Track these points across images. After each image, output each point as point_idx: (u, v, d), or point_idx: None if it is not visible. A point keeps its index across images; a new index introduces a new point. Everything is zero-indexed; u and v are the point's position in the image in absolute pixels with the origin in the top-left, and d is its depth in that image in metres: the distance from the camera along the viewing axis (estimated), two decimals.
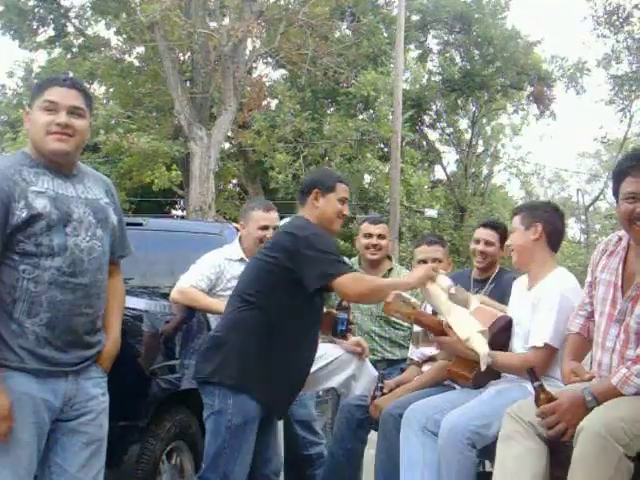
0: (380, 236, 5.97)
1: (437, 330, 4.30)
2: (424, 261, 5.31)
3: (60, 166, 3.33)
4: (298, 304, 4.07)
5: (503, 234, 5.71)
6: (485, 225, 5.71)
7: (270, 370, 4.04)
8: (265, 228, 5.06)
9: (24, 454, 3.14)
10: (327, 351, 5.11)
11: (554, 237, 4.29)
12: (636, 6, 22.23)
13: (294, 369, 4.20)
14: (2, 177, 3.15)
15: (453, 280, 5.68)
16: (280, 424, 4.93)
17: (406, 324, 5.90)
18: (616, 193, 3.57)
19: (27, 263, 3.15)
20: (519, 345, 4.21)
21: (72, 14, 25.66)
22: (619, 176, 3.55)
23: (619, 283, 3.58)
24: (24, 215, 3.13)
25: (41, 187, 3.22)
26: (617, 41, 23.57)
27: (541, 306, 4.08)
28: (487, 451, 3.96)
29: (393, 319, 5.91)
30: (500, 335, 4.29)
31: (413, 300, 4.47)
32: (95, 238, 3.35)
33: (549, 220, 4.28)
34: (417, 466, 4.14)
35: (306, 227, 4.15)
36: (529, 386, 3.70)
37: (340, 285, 3.97)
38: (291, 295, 4.05)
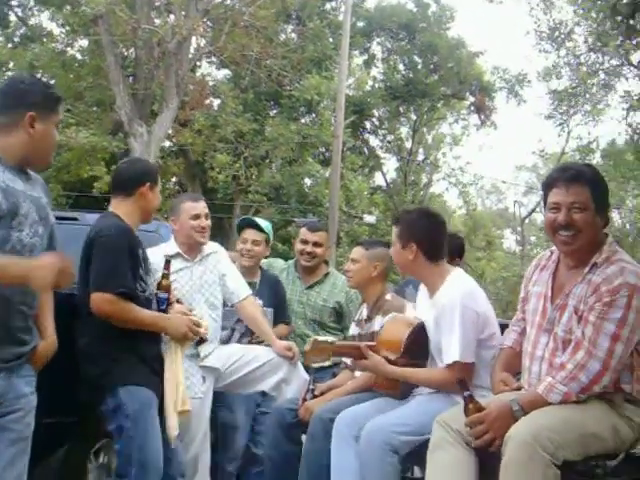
0: (316, 244, 5.97)
1: (357, 355, 4.34)
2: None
3: (19, 165, 3.29)
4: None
5: (456, 247, 5.82)
6: None
7: (140, 353, 4.14)
8: (197, 217, 4.98)
9: None
10: (258, 354, 5.12)
11: (432, 251, 4.31)
12: (578, 23, 22.61)
13: (150, 345, 4.26)
14: None
15: (413, 281, 5.78)
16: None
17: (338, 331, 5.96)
18: (545, 204, 3.67)
19: None
20: (436, 352, 4.27)
21: (15, 3, 25.31)
22: (546, 188, 3.65)
23: (549, 294, 3.65)
24: None
25: None
26: (558, 56, 23.95)
27: (444, 322, 4.13)
28: (415, 456, 4.00)
29: (327, 323, 5.95)
30: (419, 341, 4.33)
31: (331, 339, 4.51)
32: (37, 235, 3.30)
33: (424, 237, 4.30)
34: (349, 474, 4.16)
35: (110, 229, 4.17)
36: (456, 396, 3.74)
37: (96, 298, 4.00)
38: None
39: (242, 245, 5.76)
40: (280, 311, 5.77)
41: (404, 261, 4.35)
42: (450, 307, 4.11)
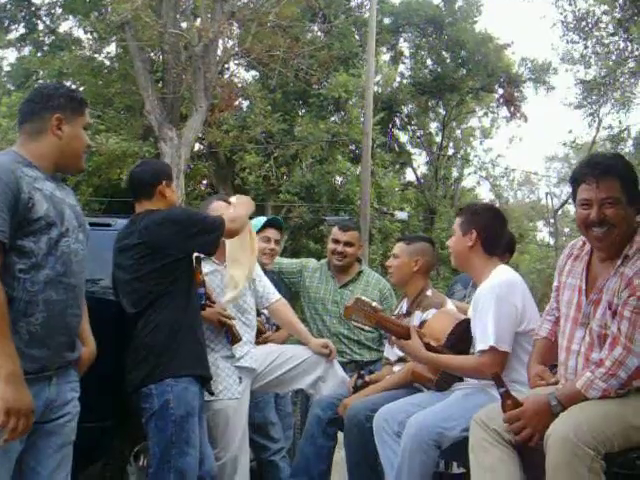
0: (347, 243, 5.97)
1: (399, 333, 4.32)
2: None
3: (53, 172, 3.35)
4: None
5: (507, 243, 5.82)
6: None
7: (198, 344, 4.30)
8: None
9: (12, 458, 3.12)
10: (296, 353, 5.14)
11: (490, 242, 4.35)
12: (605, 12, 22.36)
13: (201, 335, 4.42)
14: (7, 170, 3.12)
15: (460, 280, 5.81)
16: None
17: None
18: (574, 199, 3.62)
19: (24, 262, 3.12)
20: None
21: (43, 12, 25.50)
22: (575, 183, 3.59)
23: (583, 287, 3.60)
24: (28, 209, 3.12)
25: (39, 185, 3.21)
26: (585, 47, 23.69)
27: (479, 309, 4.13)
28: (453, 452, 3.99)
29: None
30: (462, 338, 4.32)
31: (374, 304, 4.48)
32: (78, 242, 3.36)
33: (485, 226, 4.35)
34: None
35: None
36: (493, 391, 3.72)
37: None
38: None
39: (265, 244, 5.78)
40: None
41: (461, 248, 4.38)
42: (485, 296, 4.12)
